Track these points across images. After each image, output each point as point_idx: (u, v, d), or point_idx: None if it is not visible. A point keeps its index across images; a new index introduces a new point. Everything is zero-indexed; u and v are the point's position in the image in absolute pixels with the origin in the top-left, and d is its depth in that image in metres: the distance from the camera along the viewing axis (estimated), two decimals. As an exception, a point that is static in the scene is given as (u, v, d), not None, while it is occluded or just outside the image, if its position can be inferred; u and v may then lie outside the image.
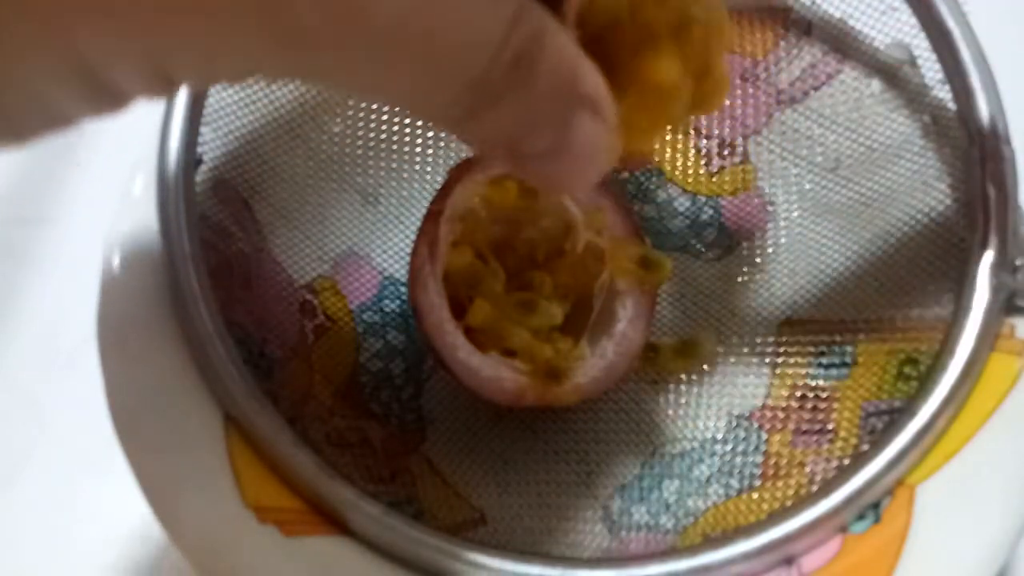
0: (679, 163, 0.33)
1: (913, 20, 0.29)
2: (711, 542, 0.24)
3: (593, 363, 0.28)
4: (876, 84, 0.31)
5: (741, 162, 0.33)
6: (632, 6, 0.21)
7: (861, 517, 0.24)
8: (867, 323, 0.29)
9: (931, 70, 0.29)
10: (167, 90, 0.17)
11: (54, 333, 0.36)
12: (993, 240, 0.26)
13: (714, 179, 0.33)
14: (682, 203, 0.33)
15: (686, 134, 0.34)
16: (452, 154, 0.33)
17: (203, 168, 0.28)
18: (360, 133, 0.32)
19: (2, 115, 0.16)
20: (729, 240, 0.32)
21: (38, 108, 0.16)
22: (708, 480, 0.28)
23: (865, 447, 0.26)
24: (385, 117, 0.33)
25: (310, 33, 0.16)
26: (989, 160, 0.27)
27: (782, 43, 0.32)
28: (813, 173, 0.32)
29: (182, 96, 0.28)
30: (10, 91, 0.15)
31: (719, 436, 0.29)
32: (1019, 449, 0.25)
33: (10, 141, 0.17)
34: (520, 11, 0.17)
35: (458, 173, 0.29)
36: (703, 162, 0.33)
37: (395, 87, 0.18)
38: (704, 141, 0.33)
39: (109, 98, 0.16)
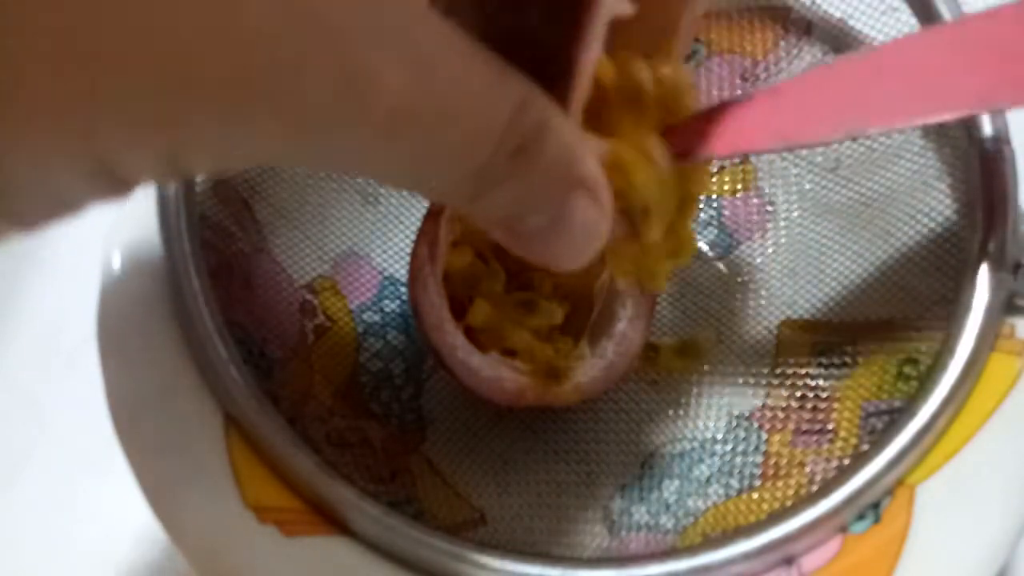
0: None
1: (913, 20, 0.29)
2: (711, 542, 0.24)
3: (593, 363, 0.28)
4: (876, 84, 0.31)
5: (741, 162, 0.33)
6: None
7: (861, 517, 0.24)
8: (867, 323, 0.29)
9: (931, 70, 0.29)
10: (178, 178, 0.17)
11: (54, 333, 0.36)
12: (993, 240, 0.26)
13: (714, 179, 0.33)
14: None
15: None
16: (452, 154, 0.33)
17: (203, 168, 0.28)
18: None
19: (13, 208, 0.16)
20: (729, 240, 0.32)
21: (49, 199, 0.16)
22: (708, 480, 0.28)
23: (865, 447, 0.26)
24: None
25: (319, 115, 0.16)
26: (989, 160, 0.27)
27: (782, 43, 0.32)
28: (813, 173, 0.32)
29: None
30: (25, 186, 0.16)
31: (719, 436, 0.29)
32: (1019, 449, 0.25)
33: (16, 229, 0.17)
34: (526, 100, 0.18)
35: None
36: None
37: (401, 171, 0.18)
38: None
39: (121, 188, 0.16)
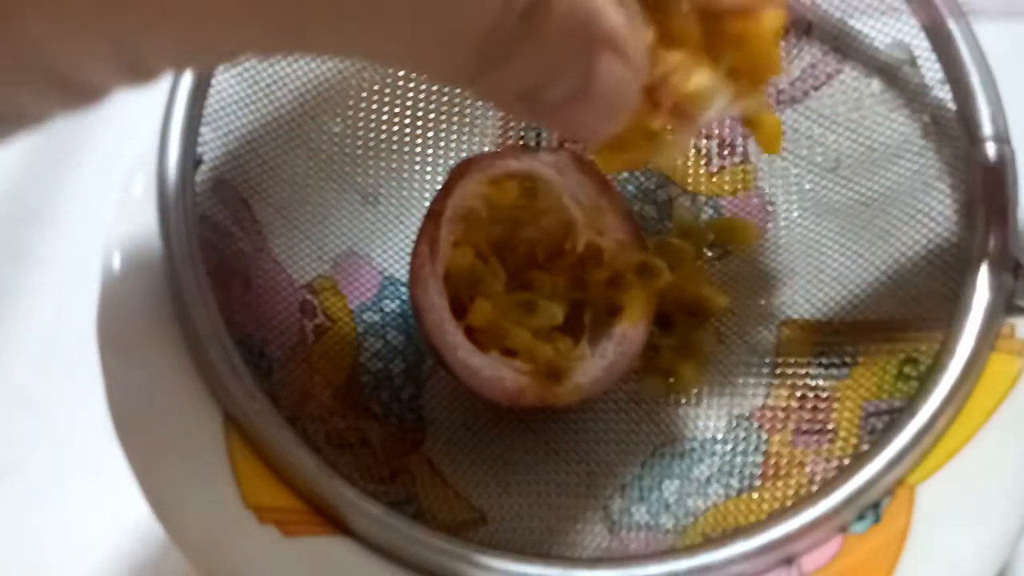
0: (679, 163, 0.33)
1: (913, 20, 0.29)
2: (711, 542, 0.24)
3: (593, 363, 0.28)
4: (876, 84, 0.31)
5: (741, 162, 0.33)
6: None
7: (861, 517, 0.24)
8: (867, 323, 0.29)
9: (931, 70, 0.29)
10: (146, 78, 0.16)
11: (54, 333, 0.36)
12: (993, 240, 0.26)
13: (714, 179, 0.33)
14: (682, 203, 0.33)
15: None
16: (452, 154, 0.33)
17: (203, 168, 0.28)
18: (360, 133, 0.32)
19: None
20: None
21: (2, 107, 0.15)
22: (708, 480, 0.28)
23: (865, 447, 0.26)
24: (385, 117, 0.33)
25: None
26: (989, 160, 0.27)
27: (782, 43, 0.32)
28: (813, 173, 0.32)
29: (182, 96, 0.28)
30: (54, 66, 0.14)
31: (719, 436, 0.29)
32: (1019, 449, 0.25)
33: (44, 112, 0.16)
34: None
35: (459, 173, 0.29)
36: (703, 162, 0.33)
37: (399, 48, 0.16)
38: (704, 141, 0.33)
39: (78, 93, 0.15)
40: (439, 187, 0.29)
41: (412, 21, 0.15)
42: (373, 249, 0.32)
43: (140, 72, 0.15)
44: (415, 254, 0.28)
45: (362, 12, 0.15)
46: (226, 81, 0.29)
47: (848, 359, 0.29)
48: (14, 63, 0.14)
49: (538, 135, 0.34)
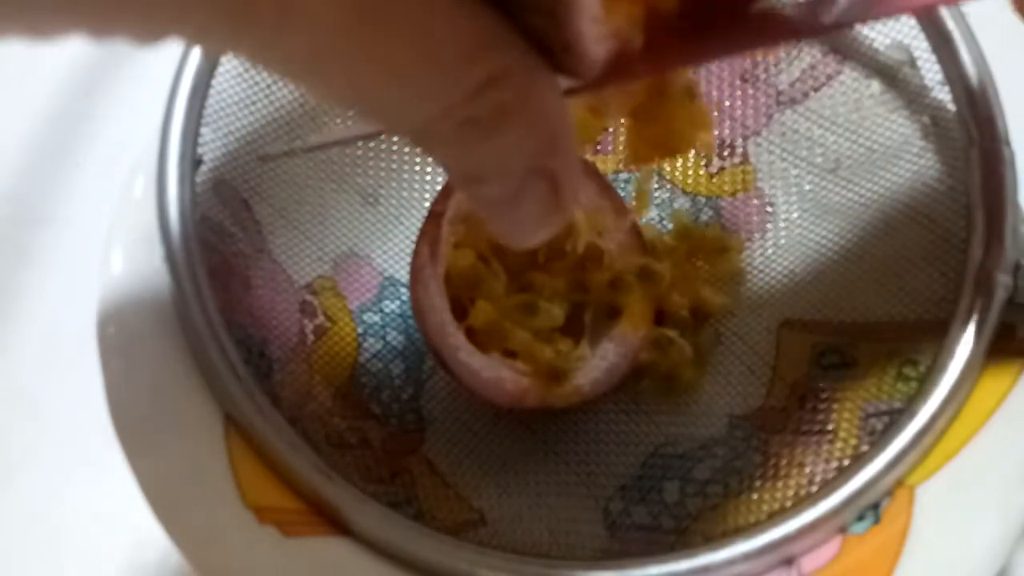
0: (679, 164, 0.33)
1: (913, 21, 0.29)
2: (711, 542, 0.24)
3: (594, 364, 0.28)
4: (876, 85, 0.31)
5: (741, 163, 0.33)
6: None
7: (861, 518, 0.24)
8: (867, 324, 0.29)
9: (931, 71, 0.29)
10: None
11: (54, 333, 0.36)
12: (993, 240, 0.26)
13: (714, 180, 0.33)
14: (682, 204, 0.33)
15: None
16: (452, 154, 0.33)
17: (203, 168, 0.28)
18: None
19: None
20: (729, 240, 0.32)
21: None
22: (708, 480, 0.28)
23: (865, 448, 0.26)
24: (385, 117, 0.33)
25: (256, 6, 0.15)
26: (989, 160, 0.27)
27: (782, 44, 0.32)
28: (813, 174, 0.32)
29: (182, 97, 0.28)
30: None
31: (719, 436, 0.29)
32: (1019, 449, 0.25)
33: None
34: (504, 72, 0.16)
35: (458, 174, 0.29)
36: (703, 163, 0.33)
37: (337, 92, 0.17)
38: (704, 142, 0.33)
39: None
40: (439, 187, 0.29)
41: (353, 86, 0.16)
42: (373, 250, 0.32)
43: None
44: (416, 255, 0.28)
45: (305, 59, 0.16)
46: (226, 81, 0.29)
47: (848, 360, 0.29)
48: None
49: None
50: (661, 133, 0.23)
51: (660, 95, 0.22)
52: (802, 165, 0.32)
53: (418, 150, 0.33)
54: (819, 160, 0.32)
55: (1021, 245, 0.26)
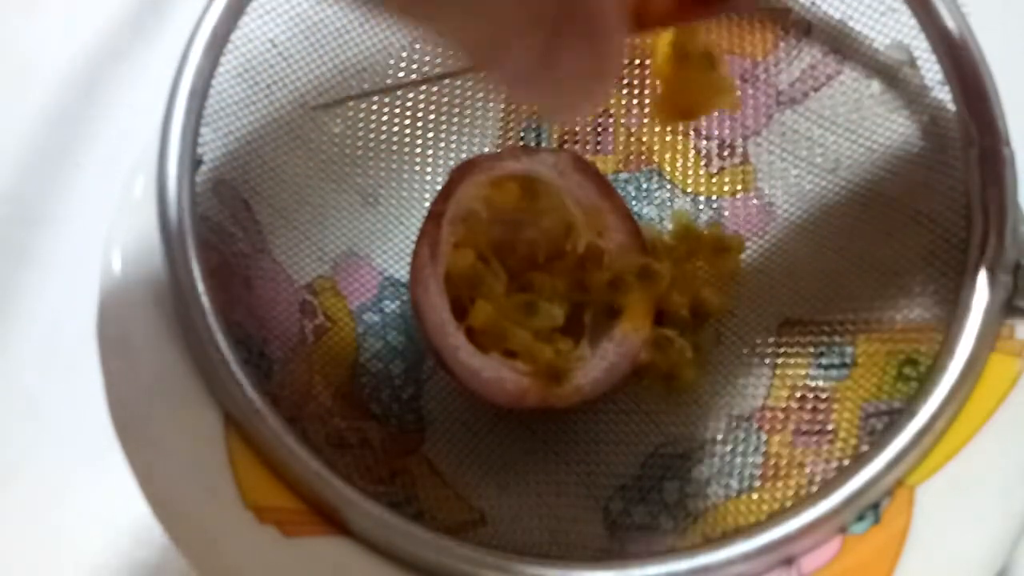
0: (679, 164, 0.33)
1: (913, 21, 0.29)
2: (711, 542, 0.24)
3: (594, 364, 0.28)
4: (876, 85, 0.31)
5: (741, 163, 0.33)
6: None
7: (861, 518, 0.24)
8: (867, 323, 0.29)
9: (931, 71, 0.29)
10: None
11: (54, 333, 0.36)
12: (993, 240, 0.26)
13: (714, 180, 0.33)
14: (682, 204, 0.33)
15: (686, 134, 0.34)
16: (452, 155, 0.33)
17: (203, 168, 0.28)
18: (360, 133, 0.33)
19: None
20: (729, 241, 0.32)
21: None
22: (708, 480, 0.28)
23: (865, 448, 0.26)
24: (385, 117, 0.33)
25: None
26: (989, 160, 0.27)
27: (782, 44, 0.32)
28: (813, 174, 0.32)
29: (182, 97, 0.28)
30: None
31: (719, 436, 0.29)
32: (1019, 449, 0.25)
33: None
34: None
35: (460, 174, 0.29)
36: (703, 163, 0.33)
37: None
38: (704, 142, 0.33)
39: None
40: (439, 188, 0.29)
41: None
42: (373, 250, 0.32)
43: None
44: (416, 255, 0.28)
45: None
46: (226, 81, 0.29)
47: (848, 360, 0.29)
48: None
49: (538, 136, 0.34)
50: (684, 97, 0.24)
51: (682, 61, 0.23)
52: (802, 165, 0.32)
53: (418, 150, 0.33)
54: (819, 160, 0.32)
55: (1021, 245, 0.26)
